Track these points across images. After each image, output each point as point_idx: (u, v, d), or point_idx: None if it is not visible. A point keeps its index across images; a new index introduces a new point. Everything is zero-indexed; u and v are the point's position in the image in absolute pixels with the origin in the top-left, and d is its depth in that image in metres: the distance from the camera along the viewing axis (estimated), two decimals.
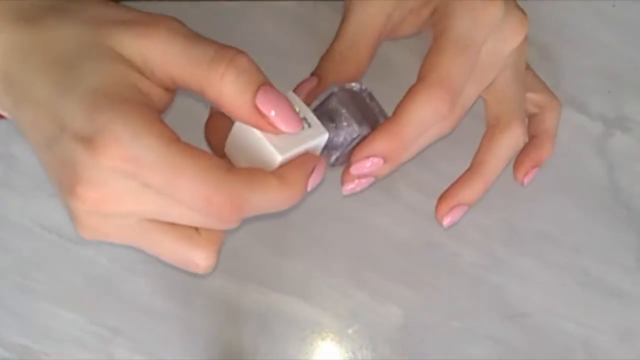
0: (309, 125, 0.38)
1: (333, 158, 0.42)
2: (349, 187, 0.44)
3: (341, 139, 0.41)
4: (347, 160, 0.42)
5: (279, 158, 0.36)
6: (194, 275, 0.50)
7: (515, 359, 0.50)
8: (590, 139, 0.53)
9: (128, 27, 0.36)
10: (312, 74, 0.45)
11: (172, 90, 0.38)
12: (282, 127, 0.36)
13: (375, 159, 0.42)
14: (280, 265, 0.50)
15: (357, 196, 0.51)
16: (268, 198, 0.36)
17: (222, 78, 0.35)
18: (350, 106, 0.41)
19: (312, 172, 0.38)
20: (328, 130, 0.39)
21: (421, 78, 0.41)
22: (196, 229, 0.38)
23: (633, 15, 0.54)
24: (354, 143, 0.41)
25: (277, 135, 0.36)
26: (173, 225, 0.37)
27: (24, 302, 0.49)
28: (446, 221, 0.46)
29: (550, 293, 0.50)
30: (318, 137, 0.38)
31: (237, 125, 0.37)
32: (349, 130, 0.41)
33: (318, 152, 0.39)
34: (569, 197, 0.52)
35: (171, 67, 0.36)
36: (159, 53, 0.36)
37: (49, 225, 0.50)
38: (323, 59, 0.45)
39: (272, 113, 0.36)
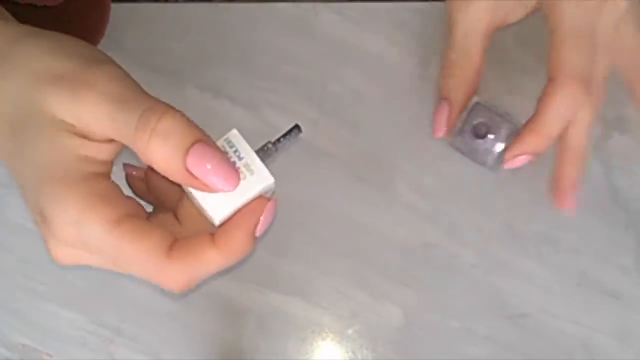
0: (252, 173, 0.36)
1: (490, 161, 0.48)
2: (509, 164, 0.47)
3: (492, 145, 0.48)
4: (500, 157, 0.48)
5: (216, 222, 0.35)
6: None
7: (514, 359, 0.50)
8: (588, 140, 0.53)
9: (62, 87, 0.35)
10: (442, 98, 0.48)
11: None
12: (219, 187, 0.34)
13: (525, 156, 0.46)
14: (280, 265, 0.50)
15: (357, 197, 0.51)
16: (212, 268, 0.36)
17: (148, 146, 0.33)
18: (491, 115, 0.48)
19: (258, 221, 0.36)
20: (478, 144, 0.47)
21: (551, 75, 0.44)
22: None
23: None
24: (503, 145, 0.48)
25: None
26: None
27: (25, 303, 0.49)
28: (507, 165, 0.47)
29: (549, 294, 0.51)
30: (262, 185, 0.35)
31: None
32: (498, 137, 0.47)
33: (269, 194, 0.37)
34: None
35: (105, 131, 0.35)
36: (91, 117, 0.34)
37: None
38: (443, 76, 0.48)
39: (208, 167, 0.34)
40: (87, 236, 0.34)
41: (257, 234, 0.37)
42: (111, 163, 0.37)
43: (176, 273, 0.35)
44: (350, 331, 0.50)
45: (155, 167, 0.34)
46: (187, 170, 0.33)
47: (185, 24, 0.53)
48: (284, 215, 0.51)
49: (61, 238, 0.35)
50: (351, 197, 0.51)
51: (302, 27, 0.54)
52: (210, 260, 0.36)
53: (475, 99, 0.48)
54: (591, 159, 0.52)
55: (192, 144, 0.33)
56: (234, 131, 0.36)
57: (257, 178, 0.35)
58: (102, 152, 0.36)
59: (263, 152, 0.37)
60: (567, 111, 0.44)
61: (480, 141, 0.48)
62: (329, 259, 0.51)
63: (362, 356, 0.50)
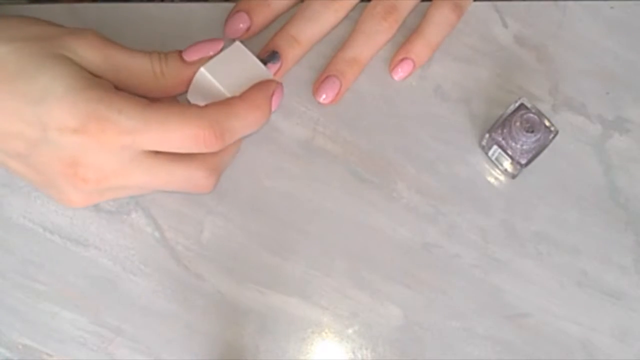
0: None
1: (519, 162, 0.49)
2: (395, 71, 0.53)
3: (532, 145, 0.48)
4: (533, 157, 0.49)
5: (227, 94, 0.46)
6: (195, 275, 0.50)
7: (514, 359, 0.50)
8: (588, 140, 0.53)
9: (71, 37, 0.43)
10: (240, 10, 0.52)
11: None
12: (212, 50, 0.46)
13: (409, 62, 0.52)
14: (280, 265, 0.50)
15: (357, 197, 0.51)
16: (242, 121, 0.44)
17: (163, 74, 0.45)
18: (538, 115, 0.48)
19: (273, 94, 0.46)
20: (527, 137, 0.48)
21: None
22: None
23: (631, 17, 0.54)
24: (533, 145, 0.49)
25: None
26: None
27: (25, 303, 0.49)
28: (397, 74, 0.52)
29: (548, 293, 0.51)
30: (242, 55, 0.47)
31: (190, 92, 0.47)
32: (540, 138, 0.48)
33: (271, 75, 0.48)
34: (567, 198, 0.52)
35: (119, 76, 0.44)
36: (101, 58, 0.43)
37: (51, 226, 0.50)
38: None
39: (196, 49, 0.46)
40: (132, 119, 0.41)
41: (273, 106, 0.46)
42: None
43: (213, 118, 0.43)
44: (350, 331, 0.50)
45: (173, 84, 0.46)
46: (189, 62, 0.46)
47: (185, 24, 0.53)
48: (284, 215, 0.51)
49: (106, 137, 0.41)
50: (351, 197, 0.51)
51: None
52: (238, 109, 0.44)
53: (520, 100, 0.48)
54: (591, 159, 0.53)
55: (179, 52, 0.46)
56: (237, 42, 0.48)
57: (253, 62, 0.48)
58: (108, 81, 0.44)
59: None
60: (446, 22, 0.51)
61: (530, 135, 0.47)
62: (329, 259, 0.51)
63: (362, 356, 0.50)
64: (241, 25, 0.51)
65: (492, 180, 0.52)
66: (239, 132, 0.45)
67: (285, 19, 0.52)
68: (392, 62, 0.52)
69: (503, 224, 0.52)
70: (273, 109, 0.47)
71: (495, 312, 0.50)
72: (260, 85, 0.46)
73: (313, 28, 0.51)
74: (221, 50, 0.47)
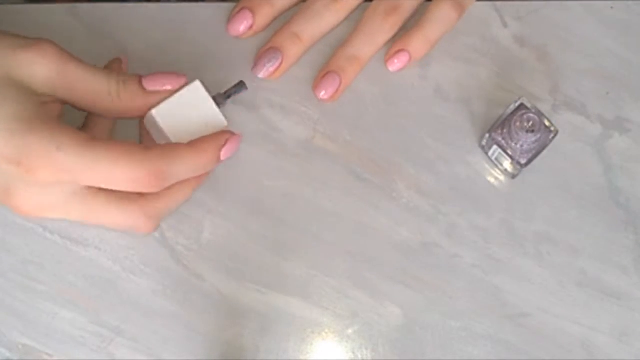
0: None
1: (519, 163, 0.49)
2: (391, 62, 0.52)
3: (532, 145, 0.48)
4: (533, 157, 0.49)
5: (173, 140, 0.46)
6: (195, 275, 0.50)
7: (514, 359, 0.50)
8: (588, 140, 0.53)
9: (23, 52, 0.42)
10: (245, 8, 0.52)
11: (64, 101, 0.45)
12: (169, 86, 0.46)
13: (406, 54, 0.52)
14: (280, 265, 0.50)
15: (357, 197, 0.51)
16: (185, 166, 0.44)
17: (120, 98, 0.45)
18: (538, 115, 0.48)
19: (225, 144, 0.46)
20: (528, 137, 0.47)
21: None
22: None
23: (631, 17, 0.54)
24: (533, 146, 0.49)
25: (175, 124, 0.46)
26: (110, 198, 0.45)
27: (25, 302, 0.49)
28: (393, 65, 0.52)
29: (548, 293, 0.51)
30: (200, 96, 0.47)
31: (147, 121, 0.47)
32: (540, 137, 0.48)
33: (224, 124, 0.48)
34: (567, 198, 0.52)
35: (72, 92, 0.43)
36: (55, 72, 0.42)
37: (51, 226, 0.50)
38: None
39: (157, 79, 0.46)
40: (72, 156, 0.41)
41: (223, 156, 0.46)
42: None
43: (154, 163, 0.42)
44: (350, 331, 0.50)
45: (128, 108, 0.45)
46: (147, 91, 0.45)
47: (185, 24, 0.53)
48: (284, 215, 0.51)
49: (43, 173, 0.40)
50: (351, 197, 0.51)
51: None
52: (184, 155, 0.44)
53: (520, 100, 0.48)
54: (591, 159, 0.53)
55: (138, 78, 0.46)
56: (197, 83, 0.47)
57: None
58: (56, 108, 0.44)
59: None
60: (446, 19, 0.51)
61: (530, 135, 0.47)
62: (329, 259, 0.51)
63: (362, 356, 0.50)
64: (244, 23, 0.51)
65: (492, 180, 0.52)
66: (182, 176, 0.45)
67: (285, 20, 0.52)
68: (389, 53, 0.52)
69: (503, 224, 0.51)
70: (223, 158, 0.47)
71: (495, 312, 0.50)
72: (213, 136, 0.46)
73: (314, 26, 0.51)
74: (183, 87, 0.47)
